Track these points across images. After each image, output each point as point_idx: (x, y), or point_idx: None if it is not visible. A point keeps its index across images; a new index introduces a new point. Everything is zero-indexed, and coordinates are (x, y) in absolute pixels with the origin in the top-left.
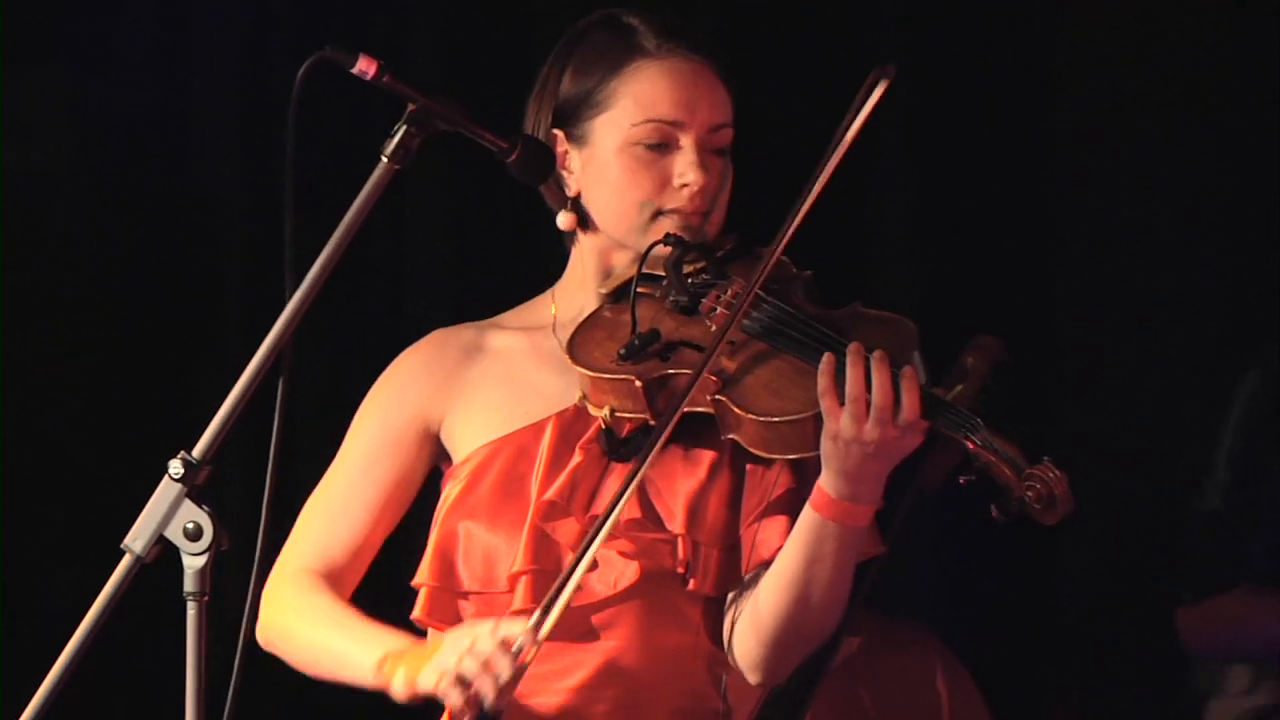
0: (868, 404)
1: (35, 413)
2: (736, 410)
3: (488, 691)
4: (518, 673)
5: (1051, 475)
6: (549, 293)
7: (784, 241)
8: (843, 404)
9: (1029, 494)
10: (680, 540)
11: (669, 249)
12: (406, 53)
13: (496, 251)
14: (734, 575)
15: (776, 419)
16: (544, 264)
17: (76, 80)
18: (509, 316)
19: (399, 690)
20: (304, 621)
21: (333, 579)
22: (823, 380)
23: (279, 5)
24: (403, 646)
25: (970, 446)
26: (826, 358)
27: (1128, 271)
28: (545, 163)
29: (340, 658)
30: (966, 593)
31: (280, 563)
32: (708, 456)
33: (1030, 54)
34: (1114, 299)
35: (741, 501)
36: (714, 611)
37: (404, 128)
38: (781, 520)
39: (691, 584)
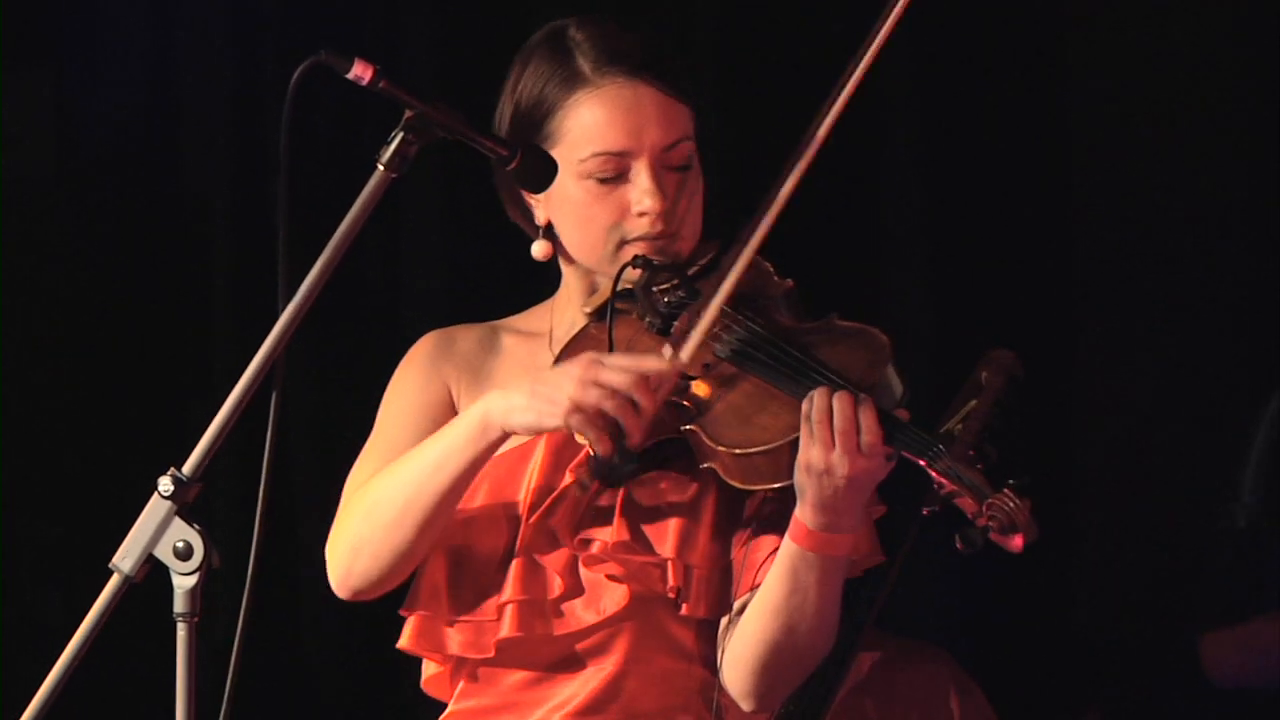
0: (834, 435)
1: (21, 427)
2: (708, 442)
3: (632, 425)
4: (658, 404)
5: (1011, 504)
6: (550, 301)
7: (749, 251)
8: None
9: (991, 523)
10: (670, 564)
11: (637, 271)
12: (401, 57)
13: (492, 263)
14: (727, 598)
15: (747, 450)
16: (543, 271)
17: (65, 85)
18: (518, 319)
19: (516, 426)
20: (381, 480)
21: None
22: (804, 406)
23: (271, 9)
24: (499, 392)
25: (933, 475)
26: (804, 407)
27: (1149, 284)
28: (547, 170)
29: (438, 454)
30: (981, 611)
31: (337, 517)
32: (695, 481)
33: (1047, 59)
34: (1135, 312)
35: (729, 523)
36: (706, 634)
37: (401, 135)
38: (771, 541)
39: (684, 608)
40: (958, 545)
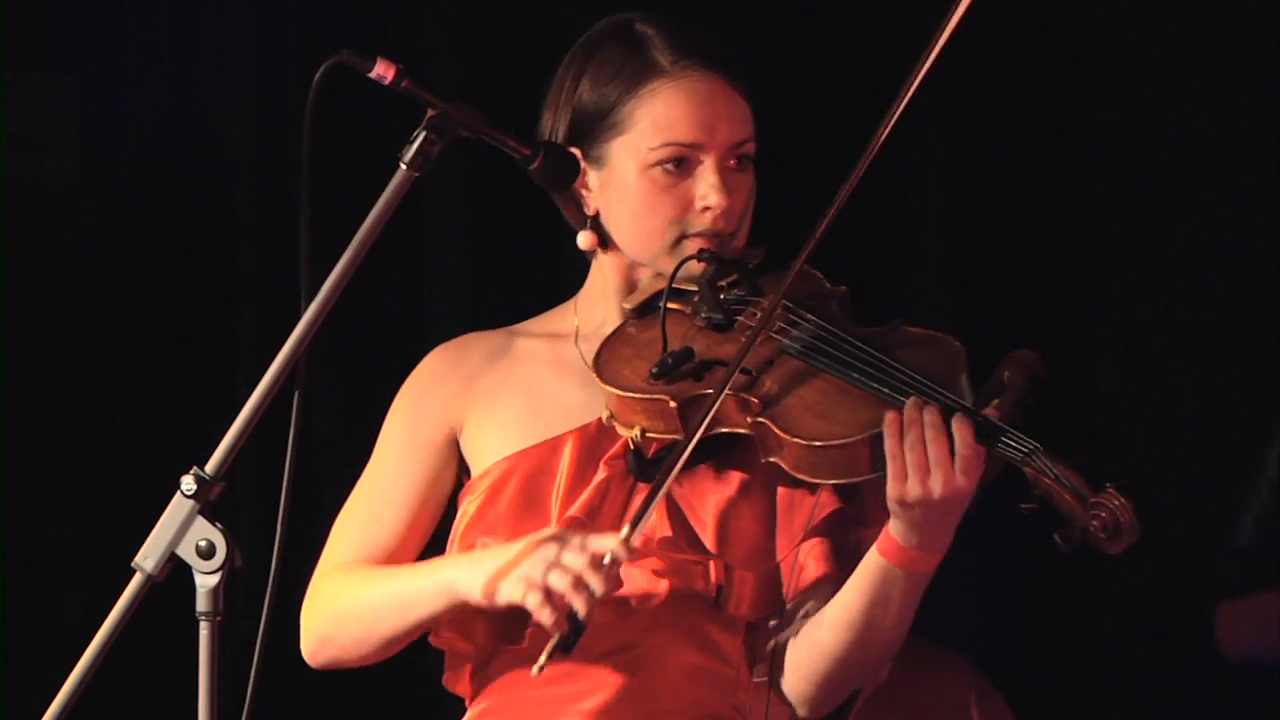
0: (928, 461)
1: (43, 427)
2: (779, 433)
3: (581, 607)
4: (612, 586)
5: (1117, 503)
6: (572, 301)
7: (811, 247)
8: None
9: (1094, 523)
10: (713, 563)
11: (701, 265)
12: (422, 56)
13: (516, 262)
14: (770, 600)
15: (822, 443)
16: (565, 273)
17: (88, 87)
18: (534, 323)
19: (479, 599)
20: (353, 591)
21: None
22: (890, 442)
23: (295, 9)
24: (469, 560)
25: (1029, 473)
26: (891, 418)
27: (1172, 284)
28: (568, 170)
29: (405, 597)
30: (1003, 616)
31: (317, 572)
32: (741, 477)
33: (1070, 57)
34: (1158, 312)
35: (777, 524)
36: (741, 633)
37: (423, 134)
38: (824, 544)
39: (728, 608)
40: (1059, 544)
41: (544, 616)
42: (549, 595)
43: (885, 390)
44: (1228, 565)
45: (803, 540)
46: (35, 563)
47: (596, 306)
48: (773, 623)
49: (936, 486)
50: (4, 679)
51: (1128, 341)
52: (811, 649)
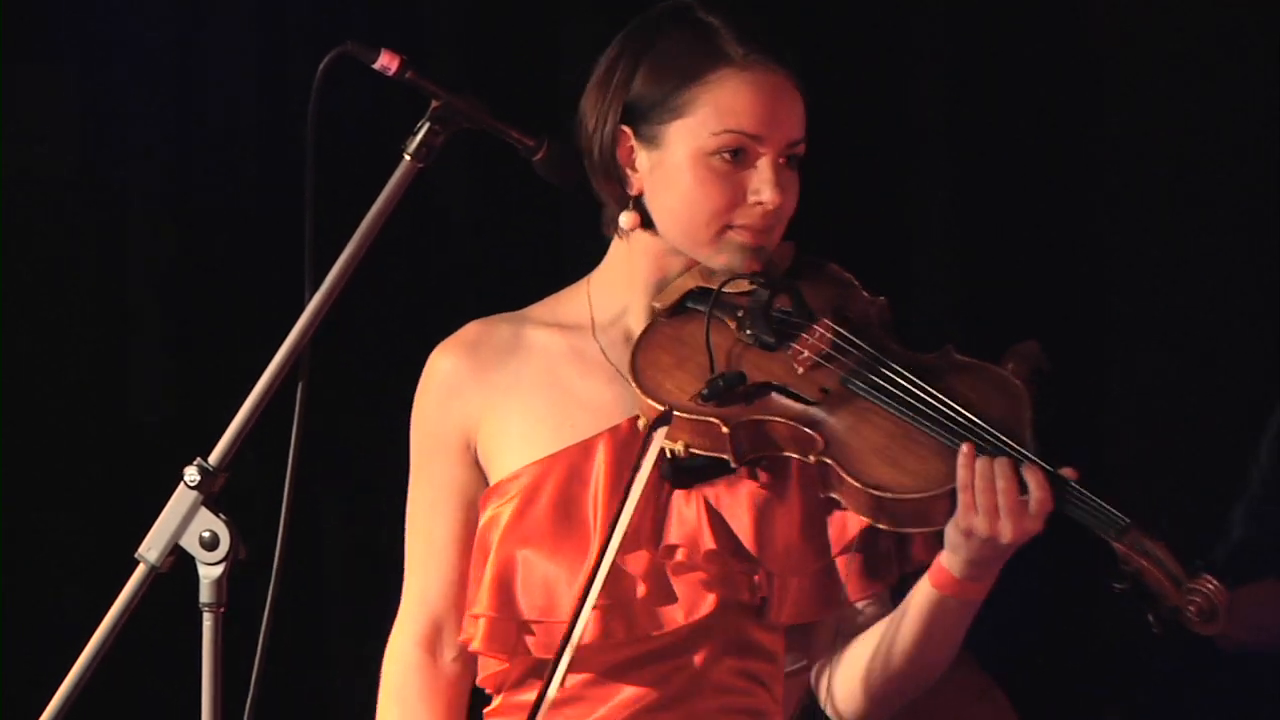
0: (998, 504)
1: (44, 418)
2: (846, 478)
3: None
4: None
5: (1212, 587)
6: (583, 285)
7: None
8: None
9: (1189, 608)
10: (757, 571)
11: (749, 284)
12: (426, 47)
13: (519, 250)
14: (812, 605)
15: (894, 495)
16: (568, 260)
17: (89, 79)
18: (541, 309)
19: None
20: None
21: (441, 628)
22: (963, 473)
23: (294, 1)
24: None
25: (1119, 550)
26: (966, 451)
27: (1178, 277)
28: (572, 162)
29: None
30: (1002, 612)
31: (396, 625)
32: (779, 483)
33: (1076, 49)
34: (1163, 304)
35: (814, 528)
36: (783, 632)
37: (427, 125)
38: (858, 559)
39: (770, 615)
40: (1152, 626)
41: None
42: None
43: (951, 439)
44: (1222, 557)
45: (841, 552)
46: (37, 554)
47: (615, 291)
48: (816, 633)
49: (1006, 530)
50: (6, 671)
51: (1131, 333)
52: (865, 671)
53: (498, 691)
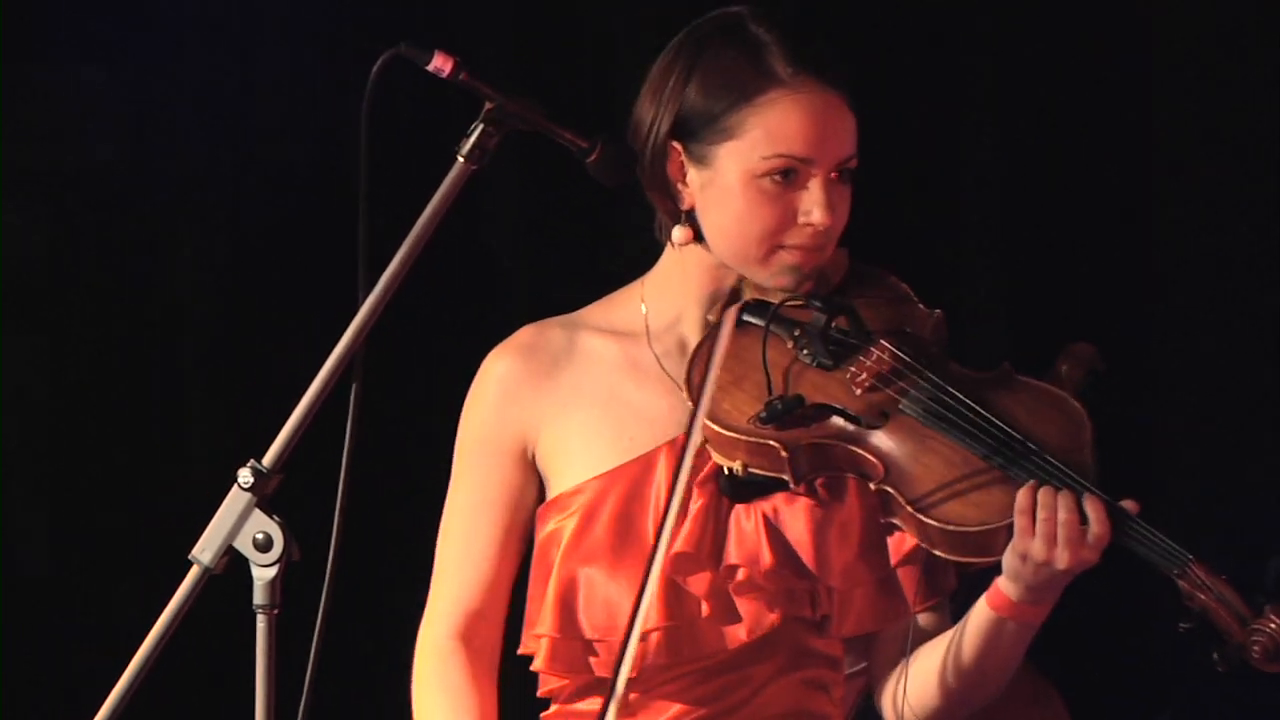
0: (1056, 531)
1: (97, 419)
2: (908, 508)
3: None
4: None
5: (1275, 626)
6: (636, 289)
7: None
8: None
9: (1255, 648)
10: (817, 587)
11: (805, 308)
12: (479, 48)
13: (575, 252)
14: (873, 617)
15: (957, 527)
16: (621, 264)
17: (142, 82)
18: (594, 313)
19: None
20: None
21: (475, 627)
22: (1022, 498)
23: (350, 2)
24: None
25: (1183, 586)
26: (1031, 483)
27: (1229, 276)
28: (626, 164)
29: None
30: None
31: (424, 623)
32: (835, 497)
33: (1129, 51)
34: (1216, 306)
35: (874, 540)
36: (850, 641)
37: (480, 127)
38: (915, 570)
39: (831, 630)
40: (1217, 664)
41: None
42: None
43: (1014, 469)
44: (1276, 564)
45: (901, 564)
46: (92, 555)
47: (669, 299)
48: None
49: (1063, 559)
50: (60, 672)
51: (1185, 334)
52: (928, 691)
53: (555, 700)
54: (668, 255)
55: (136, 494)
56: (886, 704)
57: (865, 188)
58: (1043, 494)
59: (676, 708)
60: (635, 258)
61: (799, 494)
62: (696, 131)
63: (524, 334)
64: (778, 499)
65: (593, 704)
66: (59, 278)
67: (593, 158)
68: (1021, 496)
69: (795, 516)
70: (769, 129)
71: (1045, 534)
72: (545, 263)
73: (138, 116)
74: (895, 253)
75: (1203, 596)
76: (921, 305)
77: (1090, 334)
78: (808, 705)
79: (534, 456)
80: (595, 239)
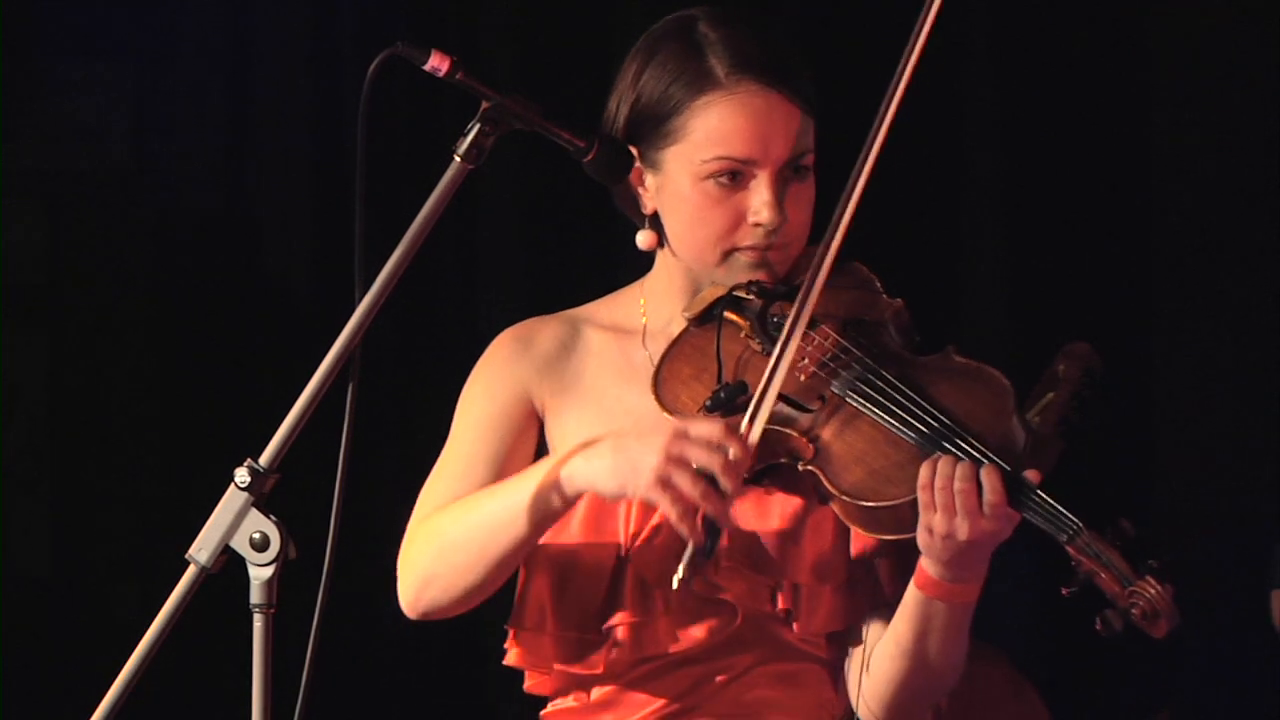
0: (954, 503)
1: (95, 419)
2: (828, 485)
3: (719, 514)
4: (738, 490)
5: (1153, 591)
6: (637, 288)
7: (827, 265)
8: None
9: (1133, 610)
10: (780, 585)
11: (752, 295)
12: (477, 47)
13: (570, 252)
14: (840, 614)
15: (873, 504)
16: (620, 264)
17: (144, 78)
18: (599, 309)
19: (606, 490)
20: (460, 513)
21: None
22: (923, 473)
23: (346, 1)
24: (582, 454)
25: (1070, 551)
26: (925, 464)
27: (1228, 275)
28: (623, 163)
29: (504, 512)
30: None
31: (410, 526)
32: (802, 494)
33: (1128, 49)
34: (1214, 304)
35: (844, 537)
36: (829, 641)
37: (477, 126)
38: (888, 563)
39: (795, 627)
40: (1097, 627)
41: (683, 527)
42: (680, 499)
43: (928, 445)
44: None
45: (871, 557)
46: (89, 555)
47: (662, 301)
48: (850, 638)
49: (962, 529)
50: (57, 671)
51: (1183, 333)
52: (877, 678)
53: (550, 699)
54: (660, 257)
55: (134, 494)
56: (853, 696)
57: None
58: (941, 465)
59: (654, 703)
60: (632, 258)
61: (773, 491)
62: (648, 136)
63: (530, 322)
64: (750, 497)
65: (572, 701)
66: (57, 277)
67: (589, 157)
68: (923, 472)
69: (766, 513)
70: (708, 131)
71: (943, 504)
72: (543, 262)
73: (135, 116)
74: (895, 256)
75: (1089, 562)
76: (884, 295)
77: (1089, 334)
78: (789, 698)
79: (542, 416)
80: (595, 238)
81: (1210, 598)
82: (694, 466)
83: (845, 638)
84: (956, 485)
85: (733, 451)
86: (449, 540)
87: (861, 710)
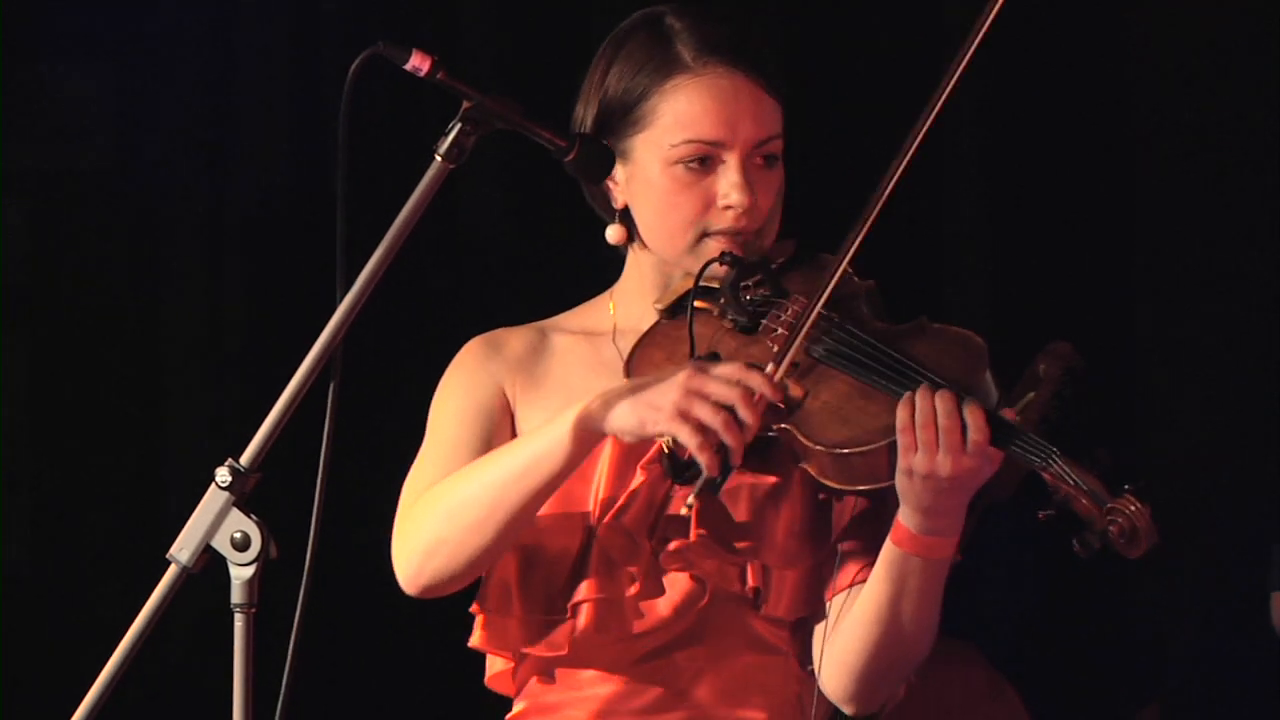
0: (938, 435)
1: (75, 418)
2: (803, 440)
3: (734, 443)
4: (758, 424)
5: (1133, 508)
6: (608, 294)
7: (848, 256)
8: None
9: (1111, 529)
10: (748, 564)
11: (724, 267)
12: (458, 47)
13: (552, 253)
14: (809, 599)
15: (846, 450)
16: (602, 264)
17: (125, 79)
18: (568, 318)
19: (623, 430)
20: (463, 480)
21: None
22: (902, 414)
23: (328, 2)
24: (599, 398)
25: (1047, 478)
26: (905, 396)
27: (1210, 275)
28: (604, 162)
29: (518, 465)
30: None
31: (401, 508)
32: (775, 476)
33: (1110, 49)
34: (1195, 304)
35: (814, 522)
36: (794, 627)
37: (458, 125)
38: (858, 543)
39: (764, 609)
40: (1075, 549)
41: (700, 454)
42: (696, 427)
43: (902, 392)
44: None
45: (838, 539)
46: (70, 553)
47: (633, 301)
48: (818, 626)
49: (945, 464)
50: (39, 672)
51: (1165, 332)
52: (845, 645)
53: (515, 694)
54: (629, 259)
55: (115, 493)
56: (820, 674)
57: (847, 189)
58: (920, 399)
59: (617, 684)
60: (614, 266)
61: (744, 474)
62: (615, 126)
63: (498, 330)
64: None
65: (539, 687)
66: (41, 276)
67: (571, 156)
68: (901, 413)
69: (737, 495)
70: (677, 115)
71: (926, 442)
72: (525, 261)
73: (117, 116)
74: (875, 257)
75: (1065, 487)
76: (856, 278)
77: (1071, 333)
78: (765, 702)
79: (512, 412)
80: (578, 237)
81: (1210, 598)
82: (713, 400)
83: (810, 628)
84: (941, 422)
85: (756, 384)
86: (457, 500)
87: (829, 687)
